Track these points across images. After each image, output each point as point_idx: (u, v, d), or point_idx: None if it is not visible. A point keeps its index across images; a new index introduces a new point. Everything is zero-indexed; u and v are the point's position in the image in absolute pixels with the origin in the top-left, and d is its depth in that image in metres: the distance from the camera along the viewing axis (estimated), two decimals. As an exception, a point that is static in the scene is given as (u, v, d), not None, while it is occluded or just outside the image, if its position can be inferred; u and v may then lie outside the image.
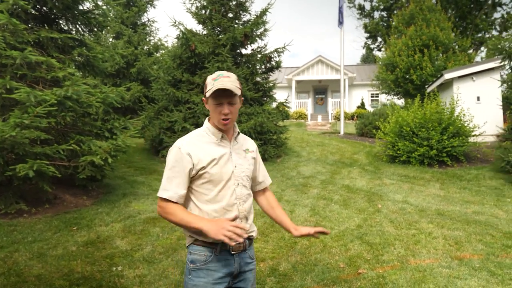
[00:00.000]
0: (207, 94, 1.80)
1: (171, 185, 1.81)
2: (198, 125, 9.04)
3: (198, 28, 10.51)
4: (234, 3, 10.42)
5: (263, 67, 10.65)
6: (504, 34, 25.18)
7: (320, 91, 27.51)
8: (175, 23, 9.61)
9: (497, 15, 25.92)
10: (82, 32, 7.33)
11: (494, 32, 26.22)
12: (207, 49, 9.45)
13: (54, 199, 5.88)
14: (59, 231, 4.73)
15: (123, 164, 8.46)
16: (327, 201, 6.39)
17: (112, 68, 11.24)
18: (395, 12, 23.94)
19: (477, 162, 9.18)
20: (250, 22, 10.32)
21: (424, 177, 8.09)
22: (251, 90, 9.76)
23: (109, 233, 4.73)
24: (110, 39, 12.95)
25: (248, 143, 2.04)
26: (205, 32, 10.33)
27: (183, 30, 9.61)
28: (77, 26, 7.17)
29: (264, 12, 10.10)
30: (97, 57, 6.74)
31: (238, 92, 1.81)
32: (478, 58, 20.95)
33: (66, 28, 7.17)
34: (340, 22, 15.69)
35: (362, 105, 23.70)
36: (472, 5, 24.65)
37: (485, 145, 9.86)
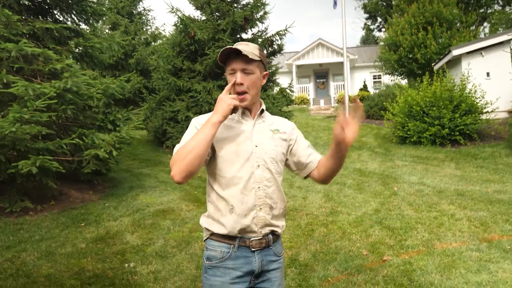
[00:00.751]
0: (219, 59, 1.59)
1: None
2: (201, 113, 8.78)
3: (196, 14, 10.21)
4: (232, -14, 10.08)
5: (265, 51, 10.33)
6: (507, 8, 24.66)
7: (321, 75, 27.13)
8: (172, 9, 9.30)
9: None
10: (78, 22, 7.07)
11: (497, 7, 25.68)
12: (206, 35, 9.15)
13: (60, 195, 5.69)
14: (66, 228, 4.54)
15: (127, 157, 8.26)
16: (340, 186, 6.19)
17: (110, 60, 10.95)
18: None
19: (490, 139, 8.95)
20: (249, 5, 9.98)
21: (437, 157, 7.87)
22: (254, 75, 9.47)
23: (118, 228, 4.55)
24: (107, 30, 12.63)
25: (280, 124, 1.77)
26: (203, 18, 10.01)
27: (181, 17, 9.30)
28: (72, 16, 6.90)
29: (263, -6, 9.76)
30: (95, 47, 6.48)
31: (255, 57, 1.55)
32: (482, 35, 20.54)
33: (61, 18, 6.90)
34: (335, 3, 15.36)
35: (364, 87, 23.37)
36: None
37: (497, 122, 9.60)
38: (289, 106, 13.98)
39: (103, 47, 6.62)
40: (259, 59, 1.58)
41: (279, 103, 9.69)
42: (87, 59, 6.86)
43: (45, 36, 6.01)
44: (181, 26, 9.36)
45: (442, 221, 4.56)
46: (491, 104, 8.95)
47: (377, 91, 17.87)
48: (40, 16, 6.64)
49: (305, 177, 1.81)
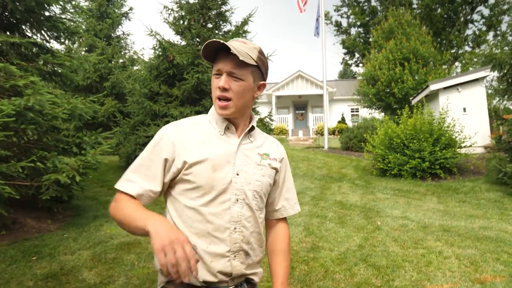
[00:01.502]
0: (202, 54, 1.26)
1: (137, 175, 1.26)
2: (178, 140, 8.41)
3: (175, 39, 10.02)
4: (214, 13, 9.98)
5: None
6: (477, 50, 25.80)
7: (300, 106, 27.32)
8: (151, 32, 9.06)
9: (469, 31, 26.67)
10: (49, 40, 6.69)
11: (467, 48, 26.86)
12: (186, 59, 8.90)
13: (13, 224, 5.10)
14: (15, 262, 3.99)
15: (95, 183, 7.72)
16: (321, 219, 5.85)
17: (84, 82, 10.54)
18: (373, 27, 24.18)
19: (469, 174, 8.88)
20: (231, 33, 9.88)
21: (418, 191, 7.69)
22: (233, 102, 9.24)
23: (75, 263, 4.03)
24: (83, 52, 12.26)
25: (270, 146, 1.42)
26: (183, 43, 9.80)
27: (160, 40, 9.06)
28: (43, 32, 6.53)
29: (245, 22, 9.70)
30: (65, 65, 6.09)
31: (248, 60, 1.21)
32: (454, 73, 21.26)
33: (30, 34, 6.52)
34: (317, 32, 15.65)
35: (342, 120, 23.57)
36: (445, 22, 25.23)
37: (475, 157, 9.60)
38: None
39: (74, 66, 6.24)
40: (255, 63, 1.23)
41: (259, 132, 9.41)
42: (57, 78, 6.44)
43: (9, 51, 5.60)
44: (159, 49, 9.10)
45: (430, 259, 4.27)
46: (469, 138, 8.95)
47: (355, 123, 17.98)
48: (7, 32, 6.24)
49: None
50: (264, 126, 10.04)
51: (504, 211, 6.17)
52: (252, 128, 1.35)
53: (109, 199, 6.72)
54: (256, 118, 1.42)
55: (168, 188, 1.30)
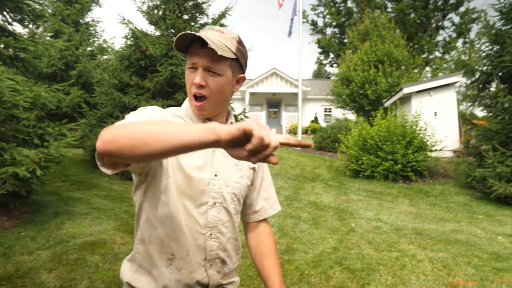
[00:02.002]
0: (174, 45, 1.09)
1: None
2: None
3: (149, 29, 9.66)
4: (190, 4, 9.69)
5: (220, 73, 9.94)
6: (447, 56, 26.62)
7: (274, 104, 27.28)
8: (123, 20, 8.67)
9: (440, 37, 27.50)
10: (11, 21, 6.23)
11: (437, 54, 27.67)
12: (159, 51, 8.58)
13: (-36, 221, 4.70)
14: (-37, 264, 3.63)
15: (57, 178, 7.29)
16: (295, 220, 5.74)
17: (49, 69, 9.98)
18: (348, 28, 24.45)
19: (439, 177, 9.04)
20: (207, 25, 9.62)
21: (391, 193, 7.73)
22: (207, 97, 9.00)
23: (32, 264, 3.71)
24: (48, 38, 11.62)
25: None
26: (157, 34, 9.46)
27: (133, 29, 8.69)
28: (5, 13, 6.07)
29: (223, 14, 9.46)
30: (28, 50, 5.68)
31: (227, 53, 1.05)
32: (424, 78, 21.83)
33: (-10, 15, 6.04)
34: (290, 32, 15.74)
35: (315, 120, 23.70)
36: (418, 27, 25.86)
37: (445, 161, 9.79)
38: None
39: (38, 51, 5.83)
40: (233, 56, 1.08)
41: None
42: (19, 64, 6.00)
43: (-35, 32, 5.15)
44: (132, 38, 8.73)
45: (404, 262, 4.24)
46: (440, 142, 9.11)
47: (328, 123, 18.08)
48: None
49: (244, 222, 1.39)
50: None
51: (473, 215, 6.28)
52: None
53: (72, 195, 6.37)
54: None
55: (140, 185, 1.14)
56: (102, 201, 6.19)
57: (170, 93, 8.81)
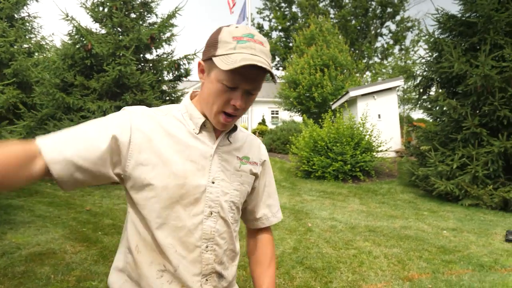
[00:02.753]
0: (222, 65, 0.93)
1: (65, 136, 0.95)
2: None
3: (94, 26, 9.17)
4: (138, 2, 9.36)
5: (170, 74, 9.70)
6: (385, 61, 28.17)
7: (221, 106, 27.14)
8: (67, 16, 8.17)
9: (378, 44, 29.11)
10: None
11: (376, 59, 29.21)
12: (106, 50, 8.18)
13: None
14: None
15: (-7, 185, 6.67)
16: (253, 222, 5.73)
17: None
18: (293, 33, 24.99)
19: (384, 176, 9.50)
20: (156, 24, 9.34)
21: (341, 193, 7.99)
22: (157, 99, 8.74)
23: (-29, 280, 3.35)
24: (-22, 32, 10.61)
25: (251, 148, 1.18)
26: (103, 32, 9.02)
27: (77, 26, 8.21)
28: None
29: (173, 14, 9.24)
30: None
31: (273, 76, 0.98)
32: (365, 82, 22.97)
33: None
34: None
35: (263, 122, 23.94)
36: (359, 33, 27.13)
37: (389, 161, 10.32)
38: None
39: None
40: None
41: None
42: None
43: None
44: (76, 36, 8.25)
45: (362, 259, 4.38)
46: (385, 143, 9.58)
47: (274, 126, 18.31)
48: None
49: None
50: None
51: (418, 211, 6.66)
52: (235, 127, 1.11)
53: (11, 203, 5.87)
54: None
55: (129, 192, 1.04)
56: (46, 208, 5.76)
57: (118, 94, 8.44)
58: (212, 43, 0.99)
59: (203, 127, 1.05)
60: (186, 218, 1.01)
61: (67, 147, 0.91)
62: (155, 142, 1.00)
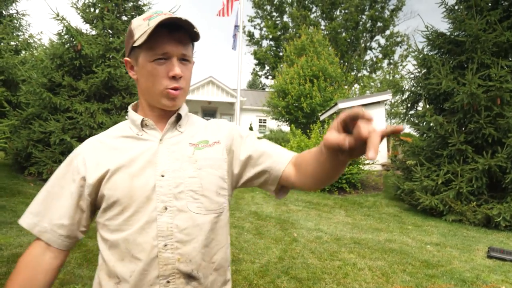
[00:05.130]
0: (141, 40, 0.95)
1: (45, 208, 1.02)
2: (80, 137, 7.57)
3: (84, 27, 9.10)
4: (130, 5, 9.32)
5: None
6: (373, 75, 28.58)
7: (209, 113, 27.09)
8: (57, 16, 8.07)
9: (367, 57, 29.57)
10: None
11: (365, 72, 29.62)
12: (96, 51, 8.10)
13: None
14: None
15: (-28, 183, 6.51)
16: (238, 230, 5.70)
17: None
18: (284, 42, 25.19)
19: (370, 189, 9.57)
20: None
21: (327, 204, 8.01)
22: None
23: None
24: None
25: (210, 130, 1.13)
26: (94, 33, 8.94)
27: (67, 26, 8.12)
28: None
29: (165, 19, 9.21)
30: None
31: (198, 34, 0.99)
32: (353, 95, 23.24)
33: None
34: (234, 46, 16.03)
35: (250, 130, 23.92)
36: (348, 46, 27.51)
37: (375, 174, 10.40)
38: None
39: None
40: (198, 38, 1.01)
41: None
42: None
43: None
44: (66, 36, 8.15)
45: (347, 271, 4.38)
46: (372, 156, 9.65)
47: (262, 135, 18.33)
48: None
49: (279, 193, 1.16)
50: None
51: (403, 225, 6.71)
52: (179, 116, 1.08)
53: (-8, 203, 5.70)
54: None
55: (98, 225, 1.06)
56: (27, 210, 5.62)
57: (106, 96, 8.35)
58: (129, 35, 1.02)
59: (145, 126, 1.04)
60: (140, 218, 0.96)
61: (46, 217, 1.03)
62: (101, 161, 1.00)
